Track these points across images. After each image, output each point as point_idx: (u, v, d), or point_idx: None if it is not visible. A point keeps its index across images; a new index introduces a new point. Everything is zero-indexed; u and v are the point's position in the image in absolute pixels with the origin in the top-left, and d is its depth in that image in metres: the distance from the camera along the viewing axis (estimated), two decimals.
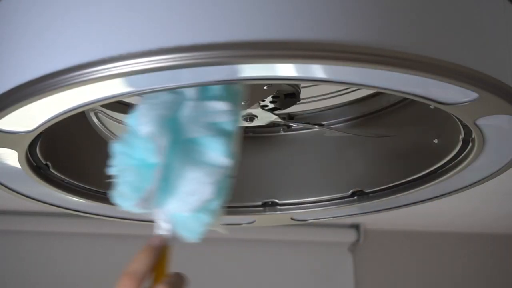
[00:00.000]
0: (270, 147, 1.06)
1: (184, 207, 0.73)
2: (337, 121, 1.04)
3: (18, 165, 0.84)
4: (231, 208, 1.04)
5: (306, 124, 0.98)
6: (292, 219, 1.07)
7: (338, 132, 1.00)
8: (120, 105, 0.89)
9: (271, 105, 0.92)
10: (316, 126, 0.98)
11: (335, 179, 1.03)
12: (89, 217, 1.05)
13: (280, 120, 0.93)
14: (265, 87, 0.83)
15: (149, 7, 0.64)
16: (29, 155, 0.85)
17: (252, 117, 0.89)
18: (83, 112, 0.95)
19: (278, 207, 1.03)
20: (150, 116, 0.71)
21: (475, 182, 0.94)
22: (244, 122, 0.90)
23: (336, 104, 1.04)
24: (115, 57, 0.63)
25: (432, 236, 2.96)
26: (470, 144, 0.85)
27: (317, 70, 0.66)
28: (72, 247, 2.50)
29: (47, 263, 2.45)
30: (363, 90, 0.99)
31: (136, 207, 0.72)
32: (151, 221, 1.08)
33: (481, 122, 0.76)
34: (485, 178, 0.92)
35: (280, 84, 0.87)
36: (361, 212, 1.07)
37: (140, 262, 0.74)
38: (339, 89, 1.00)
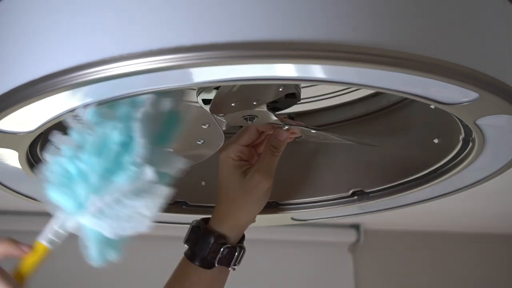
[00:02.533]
0: None
1: (110, 229, 0.73)
2: (338, 121, 1.04)
3: (18, 165, 0.84)
4: None
5: (298, 127, 0.97)
6: (292, 219, 1.07)
7: (323, 138, 1.00)
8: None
9: (271, 105, 0.92)
10: (312, 130, 0.97)
11: (335, 179, 1.03)
12: None
13: (274, 121, 0.93)
14: (280, 89, 0.84)
15: (149, 8, 0.64)
16: (29, 155, 0.85)
17: (252, 117, 0.89)
18: None
19: (278, 207, 1.03)
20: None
21: (475, 182, 0.94)
22: (244, 122, 0.90)
23: (336, 104, 1.04)
24: (116, 57, 0.63)
25: (432, 236, 2.96)
26: (470, 144, 0.85)
27: (317, 70, 0.66)
28: (72, 247, 2.50)
29: (47, 263, 2.45)
30: (363, 90, 0.99)
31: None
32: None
33: (481, 122, 0.76)
34: (485, 178, 0.92)
35: (292, 85, 0.87)
36: (361, 212, 1.07)
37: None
38: (339, 89, 1.00)
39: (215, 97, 0.86)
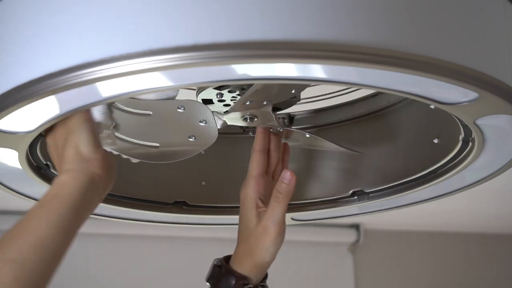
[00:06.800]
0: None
1: None
2: (338, 121, 1.04)
3: (18, 165, 0.84)
4: (231, 208, 1.04)
5: (290, 129, 0.98)
6: (292, 219, 1.07)
7: (298, 143, 1.00)
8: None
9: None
10: (305, 134, 0.97)
11: (335, 179, 1.03)
12: (89, 217, 1.05)
13: (273, 123, 0.93)
14: (293, 91, 0.84)
15: (149, 8, 0.64)
16: (29, 155, 0.85)
17: (252, 117, 0.89)
18: None
19: None
20: None
21: (475, 182, 0.94)
22: (244, 122, 0.90)
23: (336, 104, 1.04)
24: (115, 57, 0.63)
25: (432, 236, 2.96)
26: (470, 144, 0.85)
27: (317, 70, 0.66)
28: (72, 247, 2.50)
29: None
30: (363, 90, 0.99)
31: None
32: (150, 222, 1.09)
33: (481, 122, 0.76)
34: (485, 178, 0.92)
35: (305, 87, 0.87)
36: (361, 212, 1.07)
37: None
38: (339, 89, 1.00)
39: (244, 95, 0.85)
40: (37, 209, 0.72)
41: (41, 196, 0.74)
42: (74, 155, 0.76)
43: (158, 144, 0.90)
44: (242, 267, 0.91)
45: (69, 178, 0.74)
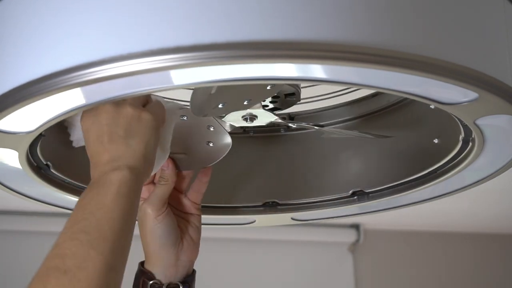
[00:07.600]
0: (270, 147, 1.06)
1: None
2: (337, 121, 1.04)
3: (18, 165, 0.84)
4: (231, 208, 1.04)
5: (305, 125, 0.99)
6: (292, 219, 1.07)
7: (337, 133, 1.00)
8: None
9: (271, 105, 0.92)
10: (316, 127, 0.98)
11: (335, 179, 1.03)
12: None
13: (280, 120, 0.93)
14: (268, 87, 0.83)
15: (149, 8, 0.64)
16: (29, 155, 0.85)
17: (252, 117, 0.90)
18: None
19: (278, 207, 1.03)
20: None
21: (475, 182, 0.94)
22: (244, 122, 0.90)
23: (336, 104, 1.04)
24: (115, 57, 0.63)
25: (432, 236, 2.96)
26: (470, 144, 0.85)
27: (317, 70, 0.66)
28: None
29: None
30: (363, 90, 0.99)
31: None
32: None
33: (481, 122, 0.76)
34: (485, 178, 0.92)
35: (282, 84, 0.87)
36: (361, 212, 1.07)
37: None
38: (339, 89, 1.00)
39: (192, 99, 0.85)
40: (114, 203, 0.74)
41: (98, 187, 0.76)
42: (143, 155, 0.77)
43: (185, 153, 0.91)
44: (149, 266, 0.92)
45: (132, 177, 0.75)
